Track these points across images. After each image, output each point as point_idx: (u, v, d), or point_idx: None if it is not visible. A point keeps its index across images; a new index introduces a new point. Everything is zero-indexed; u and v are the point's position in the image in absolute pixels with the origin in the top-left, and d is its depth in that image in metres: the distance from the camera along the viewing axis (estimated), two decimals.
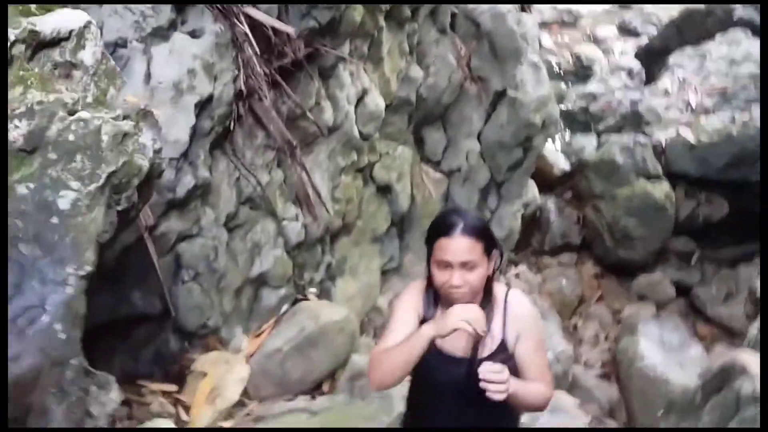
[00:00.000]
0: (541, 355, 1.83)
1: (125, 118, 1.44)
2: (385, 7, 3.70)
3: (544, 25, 9.10)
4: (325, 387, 3.21)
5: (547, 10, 9.38)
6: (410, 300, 1.81)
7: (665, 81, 5.27)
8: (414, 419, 2.02)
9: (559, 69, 8.01)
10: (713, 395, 2.36)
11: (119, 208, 1.44)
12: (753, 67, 4.99)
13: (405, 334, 1.69)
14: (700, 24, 6.30)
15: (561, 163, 5.24)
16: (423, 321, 1.75)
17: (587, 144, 5.43)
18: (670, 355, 4.30)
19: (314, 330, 3.12)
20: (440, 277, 1.65)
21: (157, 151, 1.59)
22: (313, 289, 3.63)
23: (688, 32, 6.34)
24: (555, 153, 5.22)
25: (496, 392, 1.54)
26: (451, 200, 4.44)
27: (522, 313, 1.76)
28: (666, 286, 4.72)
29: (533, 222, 4.89)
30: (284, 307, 3.34)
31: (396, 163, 4.09)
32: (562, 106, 7.01)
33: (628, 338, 4.37)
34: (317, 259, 3.69)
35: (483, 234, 1.67)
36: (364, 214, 3.96)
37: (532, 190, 4.75)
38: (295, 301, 3.38)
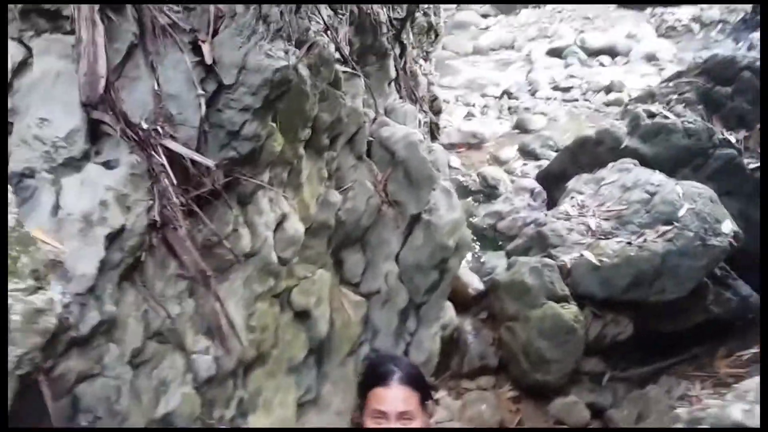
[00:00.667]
0: None
1: (36, 278, 1.36)
2: (304, 136, 3.85)
3: (452, 146, 9.80)
4: None
5: (454, 134, 10.12)
6: None
7: (566, 205, 5.72)
8: None
9: (468, 188, 8.55)
10: None
11: (19, 372, 1.32)
12: (643, 193, 5.51)
13: None
14: (591, 151, 7.01)
15: (475, 283, 5.42)
16: None
17: (498, 264, 5.69)
18: None
19: None
20: (372, 426, 1.63)
21: (66, 306, 1.50)
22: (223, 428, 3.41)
23: (583, 158, 7.02)
24: (469, 273, 5.41)
25: None
26: (371, 323, 4.43)
27: None
28: (581, 409, 4.84)
29: (451, 344, 4.95)
30: None
31: (315, 287, 4.07)
32: (472, 219, 7.40)
33: None
34: (228, 395, 3.49)
35: (420, 383, 1.68)
36: (280, 342, 3.85)
37: (449, 311, 4.85)
38: None
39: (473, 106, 11.49)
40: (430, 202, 4.58)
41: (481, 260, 6.26)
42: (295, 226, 3.85)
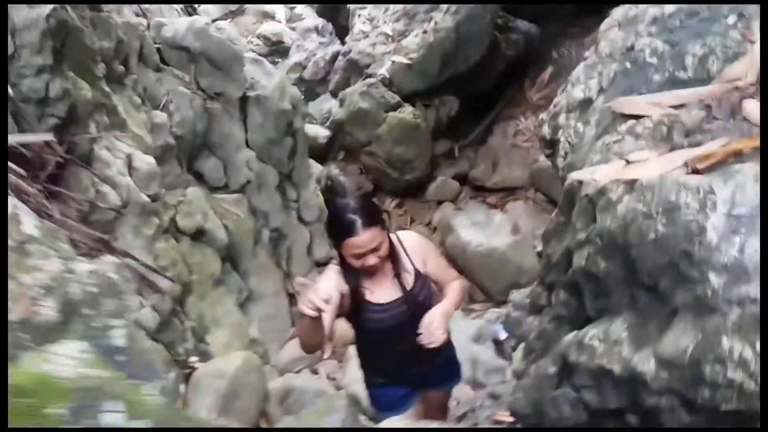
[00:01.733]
0: (442, 262, 2.37)
1: None
2: (101, 72, 3.70)
3: (214, 22, 9.42)
4: (263, 423, 3.37)
5: (211, 9, 9.68)
6: (330, 276, 2.12)
7: (357, 25, 6.06)
8: (371, 372, 2.38)
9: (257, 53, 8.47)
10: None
11: None
12: None
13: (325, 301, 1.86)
14: None
15: (321, 132, 5.77)
16: (354, 295, 2.11)
17: (330, 105, 6.04)
18: (484, 230, 5.25)
19: (227, 384, 3.23)
20: (356, 263, 2.01)
21: None
22: (193, 358, 3.67)
23: None
24: (310, 127, 5.72)
25: (440, 337, 2.01)
26: (258, 210, 4.69)
27: (415, 243, 2.23)
28: (450, 183, 5.68)
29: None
30: None
31: (193, 205, 4.19)
32: None
33: (450, 235, 5.21)
34: (180, 330, 3.71)
35: (377, 218, 2.04)
36: (193, 266, 4.03)
37: (314, 166, 5.23)
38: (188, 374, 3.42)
39: None
40: (248, 79, 4.69)
41: (311, 111, 6.54)
42: (145, 160, 3.85)
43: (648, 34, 1.88)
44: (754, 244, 1.28)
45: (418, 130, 5.44)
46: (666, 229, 1.41)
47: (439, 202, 5.73)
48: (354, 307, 2.12)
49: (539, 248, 5.22)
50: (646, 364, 1.41)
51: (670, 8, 1.86)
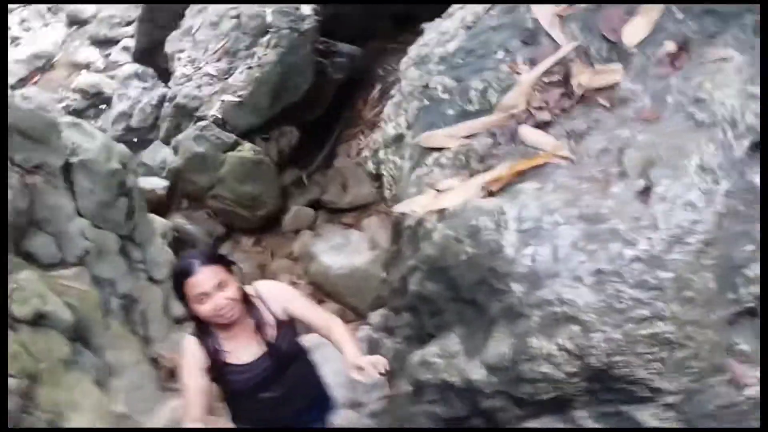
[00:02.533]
0: (307, 302, 2.38)
1: None
2: None
3: (22, 81, 8.77)
4: None
5: (15, 68, 8.97)
6: (190, 359, 2.13)
7: (179, 69, 5.98)
8: (243, 422, 2.40)
9: (75, 110, 7.98)
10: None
11: None
12: (229, 20, 5.96)
13: (201, 403, 2.04)
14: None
15: (159, 184, 5.61)
16: (214, 362, 2.12)
17: (163, 154, 5.88)
18: (343, 251, 5.42)
19: None
20: (204, 308, 2.01)
21: None
22: None
23: (161, 16, 7.06)
24: (145, 180, 5.54)
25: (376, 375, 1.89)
26: (103, 281, 4.47)
27: (272, 290, 2.27)
28: (304, 210, 5.82)
29: (177, 243, 5.28)
30: None
31: (27, 290, 3.91)
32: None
33: (312, 263, 5.32)
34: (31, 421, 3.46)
35: (218, 257, 2.09)
36: (39, 355, 3.77)
37: (157, 221, 5.08)
38: None
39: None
40: (68, 145, 4.46)
41: (144, 161, 6.32)
42: None
43: (438, 72, 2.12)
44: (542, 253, 1.53)
45: (261, 165, 5.50)
46: (473, 249, 1.63)
47: (297, 232, 5.83)
48: (216, 372, 2.13)
49: None
50: (477, 372, 1.62)
51: (452, 47, 2.12)
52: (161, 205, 5.55)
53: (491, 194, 1.73)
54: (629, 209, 1.49)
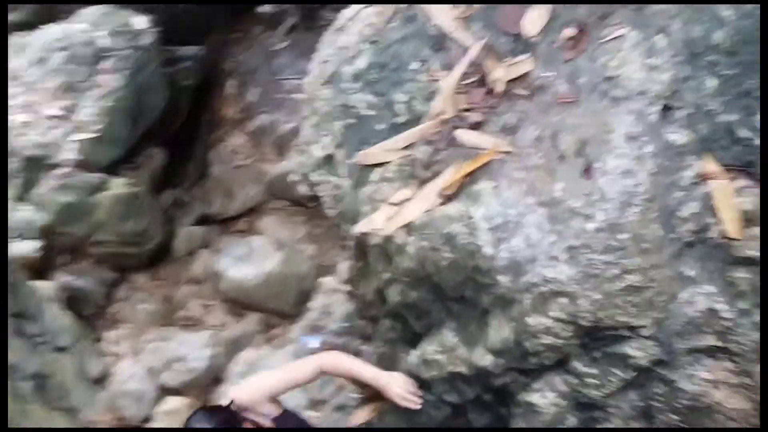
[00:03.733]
0: (280, 373, 2.09)
1: None
2: None
3: None
4: None
5: None
6: None
7: (16, 119, 5.42)
8: None
9: None
10: None
11: None
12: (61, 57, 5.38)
13: None
14: None
15: (30, 246, 5.18)
16: None
17: (27, 215, 5.40)
18: (250, 259, 5.41)
19: None
20: None
21: None
22: None
23: None
24: (17, 244, 5.09)
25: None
26: None
27: (250, 394, 1.96)
28: (194, 231, 5.70)
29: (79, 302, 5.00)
30: None
31: None
32: None
33: (221, 281, 5.27)
34: None
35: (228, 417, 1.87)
36: None
37: (41, 286, 4.76)
38: None
39: None
40: None
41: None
42: None
43: (355, 90, 2.23)
44: (516, 243, 1.74)
45: (136, 197, 5.24)
46: (452, 254, 1.82)
47: (192, 254, 5.68)
48: None
49: (304, 248, 5.56)
50: (484, 358, 1.83)
51: (362, 63, 2.23)
52: (40, 267, 5.15)
53: (449, 198, 1.91)
54: (578, 187, 1.74)
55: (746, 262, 1.67)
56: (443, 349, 1.96)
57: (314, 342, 4.45)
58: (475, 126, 1.96)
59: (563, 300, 1.70)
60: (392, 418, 2.24)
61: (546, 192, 1.76)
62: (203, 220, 5.97)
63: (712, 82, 1.73)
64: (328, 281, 5.20)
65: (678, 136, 1.74)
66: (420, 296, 1.96)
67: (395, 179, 2.07)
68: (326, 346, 4.27)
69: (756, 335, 1.66)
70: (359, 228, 2.09)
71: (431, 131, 2.03)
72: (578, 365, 1.81)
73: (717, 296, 1.69)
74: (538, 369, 1.82)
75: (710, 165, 1.72)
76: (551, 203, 1.75)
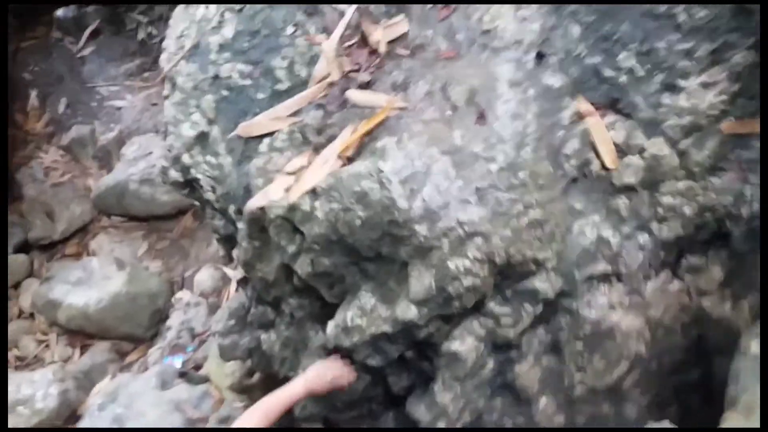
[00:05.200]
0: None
1: None
2: None
3: None
4: None
5: None
6: None
7: None
8: None
9: None
10: None
11: None
12: None
13: None
14: None
15: None
16: None
17: None
18: (89, 283, 4.87)
19: None
20: None
21: None
22: None
23: None
24: None
25: None
26: None
27: None
28: (16, 259, 5.00)
29: None
30: None
31: None
32: None
33: (59, 311, 4.69)
34: None
35: None
36: None
37: None
38: None
39: None
40: None
41: None
42: None
43: (225, 60, 2.11)
44: (428, 192, 1.77)
45: None
46: (366, 212, 1.79)
47: (17, 286, 4.97)
48: None
49: (148, 265, 5.15)
50: (409, 311, 1.83)
51: (228, 32, 2.12)
52: None
53: (349, 160, 1.88)
54: (476, 133, 1.81)
55: (624, 189, 1.86)
56: (362, 312, 1.92)
57: (179, 362, 4.15)
58: (365, 86, 1.96)
59: (478, 240, 1.76)
60: (311, 403, 2.16)
61: (447, 141, 1.81)
62: (24, 247, 5.28)
63: (575, 29, 1.91)
64: (183, 295, 4.90)
65: (554, 80, 1.89)
66: (333, 262, 1.91)
67: (287, 148, 2.00)
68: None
69: (641, 256, 1.84)
70: (254, 203, 1.98)
71: (319, 95, 1.99)
72: (493, 306, 1.89)
73: (603, 224, 1.87)
74: (459, 314, 1.86)
75: (583, 104, 1.90)
76: (454, 150, 1.80)
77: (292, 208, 1.88)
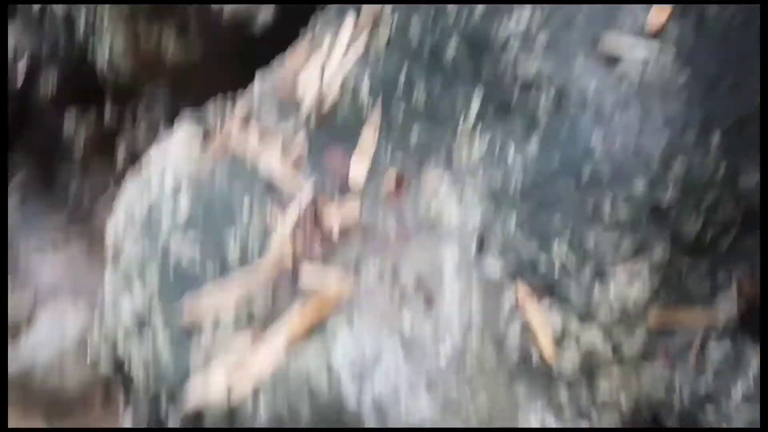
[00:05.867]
0: None
1: None
2: None
3: None
4: None
5: None
6: None
7: None
8: None
9: None
10: None
11: None
12: None
13: None
14: None
15: None
16: None
17: None
18: None
19: None
20: None
21: None
22: None
23: None
24: None
25: None
26: None
27: None
28: None
29: None
30: None
31: None
32: None
33: None
34: None
35: None
36: None
37: None
38: None
39: None
40: None
41: None
42: None
43: (174, 234, 2.10)
44: (377, 382, 1.75)
45: None
46: (313, 410, 1.74)
47: None
48: None
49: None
50: None
51: (183, 205, 2.12)
52: None
53: (298, 342, 1.86)
54: (424, 318, 1.86)
55: (562, 377, 1.92)
56: None
57: None
58: (316, 266, 1.98)
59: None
60: None
61: (397, 326, 1.84)
62: None
63: (512, 221, 2.04)
64: None
65: (495, 267, 1.99)
66: None
67: (232, 328, 1.95)
68: None
69: None
70: (193, 395, 1.88)
71: (269, 274, 1.99)
72: None
73: (546, 411, 1.89)
74: None
75: (522, 291, 1.99)
76: (403, 336, 1.82)
77: (233, 407, 1.82)
